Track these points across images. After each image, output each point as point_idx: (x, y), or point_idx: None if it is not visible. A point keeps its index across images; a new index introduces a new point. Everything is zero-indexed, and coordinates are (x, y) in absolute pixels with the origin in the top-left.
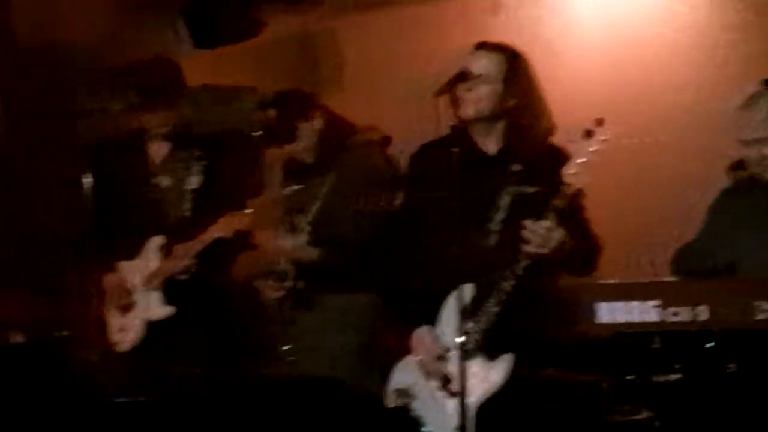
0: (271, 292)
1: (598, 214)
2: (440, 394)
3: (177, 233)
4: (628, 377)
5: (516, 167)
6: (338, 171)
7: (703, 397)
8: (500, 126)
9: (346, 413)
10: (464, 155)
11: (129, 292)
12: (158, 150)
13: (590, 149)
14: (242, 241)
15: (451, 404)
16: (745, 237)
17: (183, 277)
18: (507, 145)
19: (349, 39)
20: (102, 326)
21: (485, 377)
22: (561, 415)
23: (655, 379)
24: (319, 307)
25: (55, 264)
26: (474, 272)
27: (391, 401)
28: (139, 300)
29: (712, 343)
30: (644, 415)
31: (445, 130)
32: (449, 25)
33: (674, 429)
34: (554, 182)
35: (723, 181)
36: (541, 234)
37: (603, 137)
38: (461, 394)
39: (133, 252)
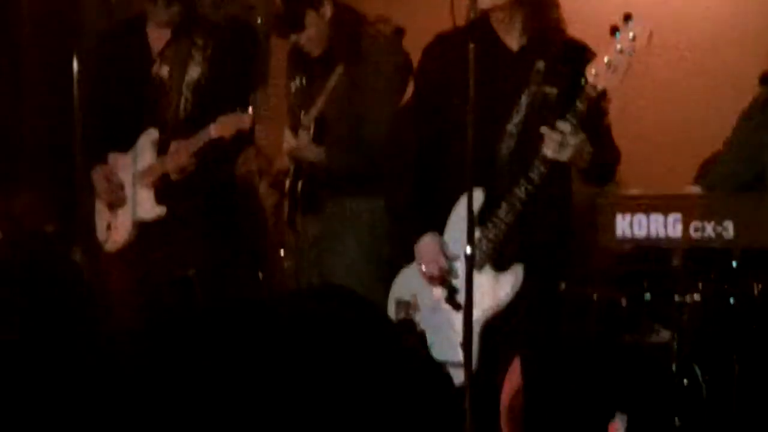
0: (270, 192)
1: (617, 118)
2: (446, 307)
3: (174, 129)
4: (646, 295)
5: (540, 65)
6: (346, 64)
7: (725, 320)
8: (520, 17)
9: (346, 326)
10: (484, 49)
11: (119, 187)
12: (158, 37)
13: (617, 47)
14: (243, 141)
15: (457, 318)
16: None
17: (177, 177)
18: (530, 40)
19: None
20: (90, 223)
21: (493, 290)
22: (574, 333)
23: (676, 298)
24: (320, 212)
25: (42, 155)
26: (486, 177)
27: (392, 312)
28: (129, 197)
29: (737, 262)
30: (663, 336)
31: (462, 21)
32: None
33: (693, 352)
34: (577, 83)
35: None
36: (560, 138)
37: (631, 34)
38: (467, 308)
39: (126, 145)
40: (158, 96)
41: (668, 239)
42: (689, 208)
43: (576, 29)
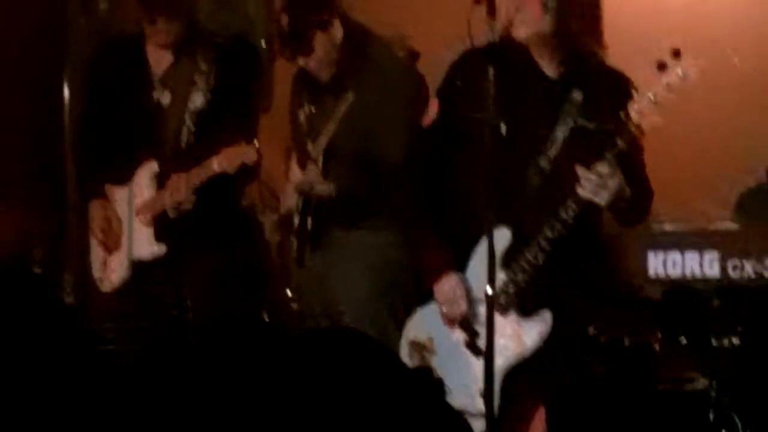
0: (276, 229)
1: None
2: (465, 352)
3: (175, 160)
4: (682, 339)
5: (577, 95)
6: (358, 90)
7: (767, 366)
8: (558, 46)
9: (357, 372)
10: (517, 72)
11: (117, 228)
12: (159, 59)
13: (664, 83)
14: (247, 175)
15: (477, 364)
16: None
17: (174, 214)
18: (569, 68)
19: None
20: (84, 260)
21: (518, 337)
22: (604, 381)
23: (713, 342)
24: (330, 247)
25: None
26: (513, 214)
27: (406, 355)
28: (126, 234)
29: None
30: (699, 383)
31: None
32: None
33: (733, 401)
34: (617, 119)
35: None
36: (598, 180)
37: (680, 71)
38: (488, 353)
39: (122, 177)
40: (158, 124)
41: (704, 279)
42: (727, 245)
43: (618, 60)
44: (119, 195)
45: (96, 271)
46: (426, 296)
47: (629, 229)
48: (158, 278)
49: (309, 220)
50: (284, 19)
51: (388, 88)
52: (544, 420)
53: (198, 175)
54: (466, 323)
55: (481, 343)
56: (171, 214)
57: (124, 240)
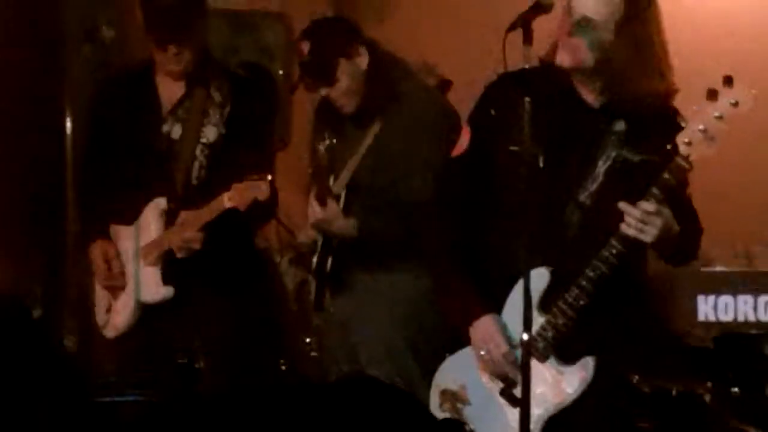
0: (293, 270)
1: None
2: (500, 401)
3: (185, 198)
4: (734, 389)
5: (620, 125)
6: (385, 121)
7: None
8: (603, 78)
9: (383, 423)
10: (555, 99)
11: (120, 270)
12: (170, 91)
13: (714, 114)
14: (262, 212)
15: (513, 414)
16: None
17: (182, 255)
18: (612, 98)
19: None
20: (86, 305)
21: (558, 385)
22: None
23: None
24: (352, 291)
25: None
26: (552, 254)
27: (435, 405)
28: (132, 276)
29: None
30: None
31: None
32: None
33: None
34: (666, 151)
35: None
36: (644, 217)
37: (732, 99)
38: (524, 403)
39: (129, 216)
40: (168, 160)
41: (758, 323)
42: None
43: None
44: (125, 234)
45: (99, 315)
46: (457, 343)
47: (677, 270)
48: (166, 323)
49: (329, 261)
50: (306, 47)
51: (417, 119)
52: None
53: (208, 212)
54: (503, 370)
55: (518, 391)
56: (179, 254)
57: (130, 282)
